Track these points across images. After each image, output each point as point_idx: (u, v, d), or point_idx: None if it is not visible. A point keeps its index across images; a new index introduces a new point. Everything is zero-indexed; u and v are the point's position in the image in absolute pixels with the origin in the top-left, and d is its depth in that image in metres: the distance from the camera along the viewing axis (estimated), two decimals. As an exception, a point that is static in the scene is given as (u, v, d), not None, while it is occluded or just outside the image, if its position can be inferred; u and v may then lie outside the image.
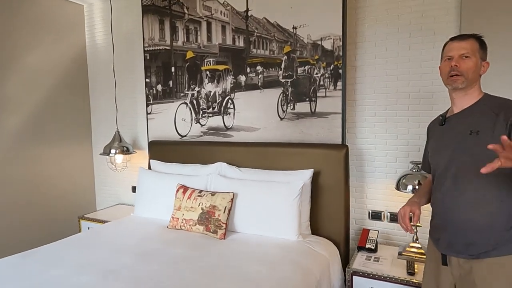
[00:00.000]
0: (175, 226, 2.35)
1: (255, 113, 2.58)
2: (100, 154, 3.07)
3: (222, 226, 2.19)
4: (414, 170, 2.08)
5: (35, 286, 1.61)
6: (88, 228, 2.95)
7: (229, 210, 2.23)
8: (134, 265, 1.81)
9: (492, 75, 1.78)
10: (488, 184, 1.28)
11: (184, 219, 2.31)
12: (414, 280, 1.85)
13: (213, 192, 2.33)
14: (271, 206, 2.18)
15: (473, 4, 1.97)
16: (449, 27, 2.10)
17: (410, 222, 1.47)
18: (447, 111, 1.48)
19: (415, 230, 2.09)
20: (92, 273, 1.72)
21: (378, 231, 2.29)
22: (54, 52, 3.17)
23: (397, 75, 2.25)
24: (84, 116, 3.49)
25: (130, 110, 3.28)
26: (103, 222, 2.85)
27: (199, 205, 2.29)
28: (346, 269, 2.02)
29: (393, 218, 2.32)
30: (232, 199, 2.25)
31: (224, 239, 2.17)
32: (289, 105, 2.47)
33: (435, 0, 2.12)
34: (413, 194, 2.02)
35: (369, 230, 2.29)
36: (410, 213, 1.46)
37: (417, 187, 2.01)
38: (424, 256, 2.01)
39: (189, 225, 2.28)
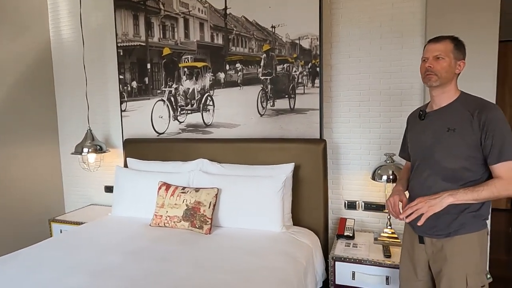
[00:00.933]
0: (158, 224, 2.34)
1: (235, 110, 2.63)
2: (72, 154, 2.95)
3: (208, 221, 2.23)
4: (387, 162, 2.25)
5: (23, 290, 1.56)
6: (61, 231, 2.83)
7: (214, 205, 2.27)
8: (123, 264, 1.80)
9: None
10: (453, 178, 1.45)
11: (168, 216, 2.31)
12: (390, 262, 2.02)
13: (197, 188, 2.35)
14: (255, 200, 2.25)
15: (437, 9, 2.17)
16: (416, 29, 2.29)
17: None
18: (426, 105, 1.62)
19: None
20: (81, 274, 1.69)
21: (354, 219, 2.45)
22: (14, 46, 2.98)
23: (370, 74, 2.41)
24: (50, 114, 3.32)
25: (101, 108, 3.18)
26: (78, 224, 2.75)
27: (183, 202, 2.30)
28: (329, 255, 2.15)
29: (367, 207, 2.49)
30: (216, 195, 2.29)
31: (210, 234, 2.21)
32: (268, 101, 2.55)
33: (403, 5, 2.30)
34: (386, 183, 2.21)
35: (346, 219, 2.45)
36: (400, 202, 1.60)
37: (391, 177, 2.19)
38: (398, 240, 2.22)
39: (174, 222, 2.29)
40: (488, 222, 2.09)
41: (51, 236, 2.88)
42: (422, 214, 1.37)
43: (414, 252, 1.62)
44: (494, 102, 2.10)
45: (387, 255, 2.07)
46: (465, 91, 1.53)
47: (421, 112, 1.60)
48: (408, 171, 1.73)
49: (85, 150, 2.89)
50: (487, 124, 1.38)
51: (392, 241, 2.22)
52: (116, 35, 2.88)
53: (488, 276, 1.48)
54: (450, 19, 2.14)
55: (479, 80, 2.11)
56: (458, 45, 1.49)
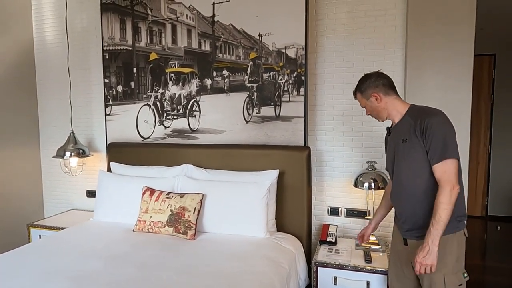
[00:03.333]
0: (142, 229, 2.32)
1: (221, 116, 2.65)
2: (53, 157, 2.90)
3: (192, 227, 2.23)
4: (369, 169, 2.32)
5: (1, 297, 1.52)
6: (40, 237, 2.77)
7: (199, 211, 2.27)
8: (105, 269, 1.78)
9: (434, 76, 2.14)
10: (414, 183, 1.58)
11: (152, 221, 2.29)
12: (371, 267, 2.06)
13: (181, 193, 2.35)
14: (239, 206, 2.27)
15: (416, 23, 2.27)
16: (397, 42, 2.38)
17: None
18: (392, 124, 1.73)
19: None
20: (61, 280, 1.66)
21: (336, 225, 2.50)
22: (-3, 46, 2.92)
23: (353, 83, 2.41)
24: (31, 116, 3.25)
25: (85, 111, 3.14)
26: (58, 229, 2.69)
27: (167, 207, 2.29)
28: (312, 261, 2.18)
29: (349, 213, 2.55)
30: (201, 200, 2.29)
31: (194, 239, 2.21)
32: (254, 108, 2.58)
33: (385, 18, 2.39)
34: (368, 190, 2.29)
35: (329, 225, 2.49)
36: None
37: (372, 184, 2.25)
38: (378, 246, 2.27)
39: (158, 227, 2.28)
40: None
41: (29, 242, 2.80)
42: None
43: (401, 252, 1.71)
44: (469, 113, 2.22)
45: (368, 260, 2.12)
46: (417, 104, 1.68)
47: (387, 129, 1.77)
48: (386, 195, 1.90)
49: (67, 153, 2.84)
50: (427, 129, 1.49)
51: (373, 247, 2.27)
52: (102, 38, 2.87)
53: (465, 275, 1.57)
54: (429, 33, 2.24)
55: (456, 92, 2.22)
56: (362, 89, 1.70)
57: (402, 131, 1.61)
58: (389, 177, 1.87)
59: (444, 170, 1.47)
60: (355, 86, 1.75)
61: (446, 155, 1.46)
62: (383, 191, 2.05)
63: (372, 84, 1.66)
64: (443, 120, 1.52)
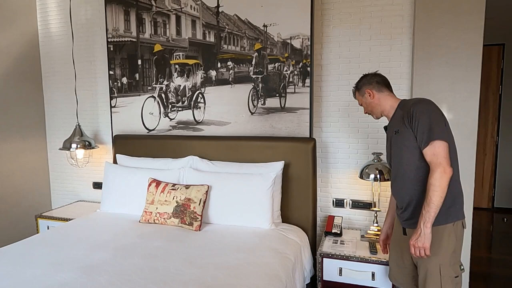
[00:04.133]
0: (148, 220, 2.34)
1: (226, 108, 2.64)
2: (60, 149, 2.92)
3: (198, 218, 2.24)
4: (375, 161, 2.30)
5: (12, 287, 1.55)
6: (48, 228, 2.80)
7: (204, 202, 2.28)
8: (113, 260, 1.80)
9: (442, 66, 2.08)
10: (409, 172, 1.61)
11: (158, 212, 2.31)
12: (376, 258, 2.07)
13: (187, 185, 2.36)
14: (245, 197, 2.28)
15: (424, 12, 2.23)
16: (404, 32, 2.34)
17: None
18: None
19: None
20: (70, 270, 1.68)
21: (342, 217, 2.50)
22: (0, 39, 2.92)
23: (359, 74, 2.39)
24: (37, 109, 3.27)
25: (90, 103, 3.15)
26: (65, 220, 2.73)
27: (173, 198, 2.31)
28: (317, 252, 2.19)
29: (355, 205, 2.54)
30: (207, 192, 2.30)
31: (199, 230, 2.22)
32: (259, 100, 2.57)
33: (392, 7, 2.35)
34: (373, 182, 2.29)
35: (334, 216, 2.49)
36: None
37: (378, 175, 2.24)
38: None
39: (164, 218, 2.30)
40: (470, 216, 2.18)
41: (37, 233, 2.85)
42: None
43: (400, 241, 1.73)
44: (477, 104, 2.19)
45: (373, 251, 2.12)
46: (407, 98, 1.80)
47: (384, 128, 1.84)
48: (391, 203, 1.95)
49: (74, 145, 2.86)
50: (414, 115, 1.54)
51: (378, 238, 2.27)
52: (107, 30, 2.86)
53: (462, 267, 1.58)
54: (437, 23, 2.20)
55: (464, 82, 2.18)
56: (358, 87, 1.82)
57: (395, 124, 1.68)
58: None
59: (433, 153, 1.49)
60: (353, 86, 1.87)
61: (433, 137, 1.49)
62: (389, 182, 2.04)
63: (367, 82, 1.77)
64: (429, 106, 1.57)
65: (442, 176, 1.46)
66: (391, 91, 1.77)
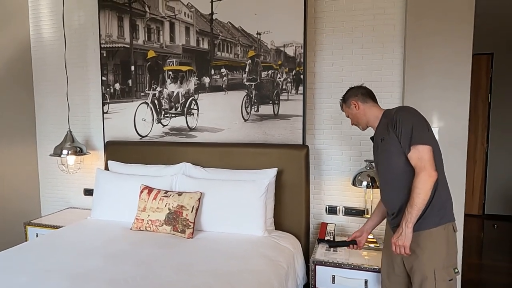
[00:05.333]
0: (139, 228, 2.32)
1: (219, 114, 2.64)
2: (50, 155, 2.88)
3: (190, 226, 2.22)
4: (367, 168, 2.32)
5: (-2, 295, 1.51)
6: (37, 235, 2.75)
7: (197, 210, 2.27)
8: (104, 268, 1.78)
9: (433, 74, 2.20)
10: (396, 178, 1.65)
11: (150, 220, 2.29)
12: (368, 266, 2.07)
13: (179, 192, 2.35)
14: (238, 204, 2.27)
15: (415, 21, 2.26)
16: (396, 40, 2.38)
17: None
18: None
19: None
20: (60, 278, 1.65)
21: (335, 224, 2.50)
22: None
23: (352, 82, 2.44)
24: (28, 114, 3.23)
25: (82, 109, 3.13)
26: (55, 227, 2.68)
27: (165, 206, 2.28)
28: (310, 259, 2.18)
29: (348, 212, 2.55)
30: (199, 199, 2.29)
31: (192, 238, 2.20)
32: (253, 107, 2.58)
33: (384, 17, 2.39)
34: (366, 189, 2.30)
35: (327, 223, 2.49)
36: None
37: (370, 182, 2.25)
38: (376, 244, 2.29)
39: (156, 225, 2.27)
40: (461, 223, 2.20)
41: (26, 240, 2.79)
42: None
43: (390, 249, 1.71)
44: (467, 112, 2.22)
45: (366, 259, 2.12)
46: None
47: (371, 139, 1.88)
48: (377, 208, 1.97)
49: (65, 152, 2.83)
50: (397, 122, 1.59)
51: (371, 245, 2.28)
52: (100, 36, 2.85)
53: (456, 270, 1.59)
54: (428, 32, 2.24)
55: (454, 90, 2.22)
56: (345, 99, 1.88)
57: (380, 132, 1.73)
58: None
59: (417, 157, 1.52)
60: (341, 98, 1.92)
61: (416, 141, 1.52)
62: (381, 189, 2.05)
63: (353, 94, 1.83)
64: (411, 112, 1.63)
65: (426, 180, 1.50)
66: (376, 102, 1.82)
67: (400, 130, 1.57)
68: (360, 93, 1.81)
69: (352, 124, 1.90)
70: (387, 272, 1.81)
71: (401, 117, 1.59)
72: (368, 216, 2.36)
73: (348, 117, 1.90)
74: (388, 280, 1.81)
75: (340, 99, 1.92)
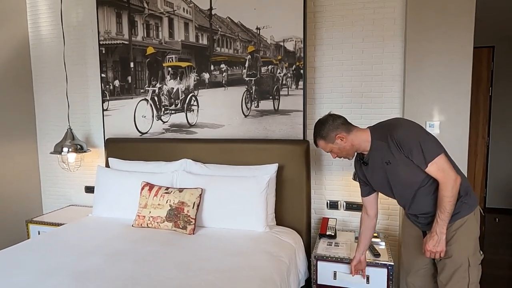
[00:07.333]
0: (141, 224, 2.32)
1: (219, 110, 2.63)
2: (51, 153, 2.88)
3: (191, 222, 2.22)
4: (368, 162, 2.30)
5: (0, 293, 1.52)
6: (39, 233, 2.76)
7: (198, 206, 2.27)
8: (105, 265, 1.78)
9: (434, 68, 2.11)
10: (418, 190, 1.62)
11: (151, 216, 2.29)
12: (370, 260, 2.06)
13: (180, 188, 2.34)
14: (239, 200, 2.26)
15: (416, 15, 2.25)
16: (396, 34, 2.36)
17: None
18: (361, 154, 1.74)
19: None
20: (61, 276, 1.65)
21: (336, 219, 2.50)
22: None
23: (352, 76, 2.47)
24: (28, 112, 3.23)
25: (82, 106, 3.12)
26: (57, 225, 2.68)
27: (166, 202, 2.28)
28: (311, 255, 2.18)
29: (349, 206, 2.55)
30: (200, 195, 2.29)
31: (193, 234, 2.20)
32: (253, 102, 2.56)
33: (384, 10, 2.37)
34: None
35: (328, 218, 2.49)
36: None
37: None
38: (377, 239, 2.28)
39: (157, 222, 2.27)
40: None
41: (28, 238, 2.80)
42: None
43: (418, 243, 1.72)
44: (468, 105, 2.21)
45: (376, 254, 2.11)
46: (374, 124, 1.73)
47: (362, 161, 1.75)
48: (363, 222, 1.94)
49: (65, 149, 2.82)
50: (401, 142, 1.53)
51: (372, 240, 2.27)
52: (98, 32, 2.83)
53: (481, 252, 1.63)
54: (429, 25, 2.22)
55: (455, 84, 2.21)
56: (323, 135, 1.68)
57: (381, 156, 1.62)
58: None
59: (437, 169, 1.51)
60: (314, 136, 1.73)
61: (431, 157, 1.50)
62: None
63: (332, 127, 1.66)
64: (407, 126, 1.59)
65: (453, 186, 1.50)
66: (354, 125, 1.70)
67: (410, 152, 1.52)
68: (341, 123, 1.66)
69: (337, 157, 1.73)
70: (412, 266, 1.79)
71: (403, 139, 1.53)
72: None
73: (330, 152, 1.72)
74: (412, 273, 1.80)
75: (315, 136, 1.72)
